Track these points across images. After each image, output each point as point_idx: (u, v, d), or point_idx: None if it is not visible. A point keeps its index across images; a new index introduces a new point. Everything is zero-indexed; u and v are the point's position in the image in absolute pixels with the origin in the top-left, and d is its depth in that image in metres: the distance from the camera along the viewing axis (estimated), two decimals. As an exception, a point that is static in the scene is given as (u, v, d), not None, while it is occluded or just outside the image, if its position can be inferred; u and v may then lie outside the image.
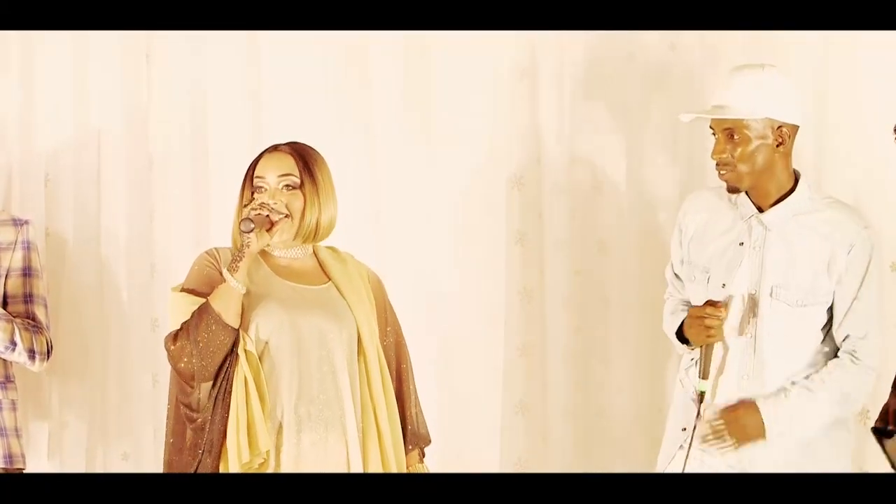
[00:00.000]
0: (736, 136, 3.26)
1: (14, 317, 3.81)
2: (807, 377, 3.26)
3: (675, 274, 3.50)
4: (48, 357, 3.87)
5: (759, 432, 3.23)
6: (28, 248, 3.90)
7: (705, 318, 3.25)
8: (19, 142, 4.32)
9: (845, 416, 3.31)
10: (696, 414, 3.28)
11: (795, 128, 3.32)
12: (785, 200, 3.31)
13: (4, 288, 3.87)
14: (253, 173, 3.28)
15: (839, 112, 3.84)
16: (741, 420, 3.23)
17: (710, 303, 3.27)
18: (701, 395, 3.27)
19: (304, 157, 3.28)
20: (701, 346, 3.29)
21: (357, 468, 3.19)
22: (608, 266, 4.03)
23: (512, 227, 4.09)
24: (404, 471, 3.30)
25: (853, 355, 3.26)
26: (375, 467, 3.22)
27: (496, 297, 4.08)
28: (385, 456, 3.25)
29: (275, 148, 3.31)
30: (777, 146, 3.28)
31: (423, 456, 3.41)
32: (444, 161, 4.09)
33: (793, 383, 3.25)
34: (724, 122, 3.27)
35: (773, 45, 3.88)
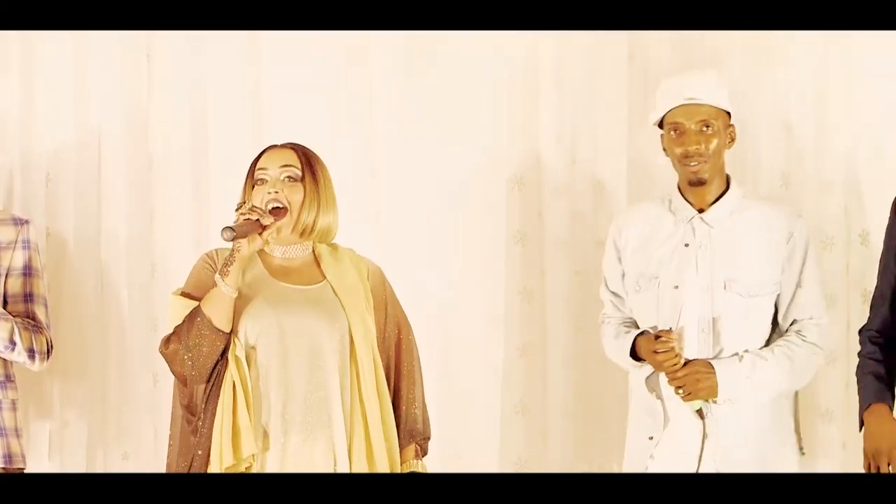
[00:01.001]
0: (709, 129, 3.40)
1: (14, 316, 3.81)
2: (759, 349, 3.41)
3: (614, 292, 3.58)
4: (48, 356, 3.87)
5: (711, 391, 3.34)
6: (28, 247, 3.89)
7: (657, 352, 3.35)
8: (19, 142, 4.31)
9: (790, 390, 3.44)
10: (701, 431, 3.36)
11: None
12: (722, 199, 3.45)
13: (4, 287, 3.87)
14: (255, 167, 3.28)
15: (839, 112, 3.85)
16: (698, 376, 3.34)
17: (657, 336, 3.37)
18: (699, 412, 3.35)
19: (306, 155, 3.30)
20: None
21: (343, 470, 3.17)
22: (608, 266, 4.02)
23: (512, 227, 4.09)
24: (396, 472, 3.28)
25: (800, 334, 3.41)
26: (360, 468, 3.19)
27: (496, 297, 4.08)
28: (372, 459, 3.22)
29: (276, 145, 3.33)
30: (728, 142, 3.45)
31: (424, 453, 3.36)
32: (444, 161, 4.09)
33: (746, 351, 3.39)
34: (698, 112, 3.39)
35: (773, 45, 3.88)
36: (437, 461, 3.60)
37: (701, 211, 3.44)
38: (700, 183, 3.41)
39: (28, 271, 3.89)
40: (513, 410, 4.07)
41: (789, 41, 3.87)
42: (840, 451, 3.82)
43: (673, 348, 3.32)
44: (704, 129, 3.39)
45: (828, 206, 3.85)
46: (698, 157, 3.39)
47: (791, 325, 3.43)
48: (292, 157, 3.27)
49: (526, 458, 4.06)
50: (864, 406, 3.30)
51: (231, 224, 3.15)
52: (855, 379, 3.42)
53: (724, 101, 3.44)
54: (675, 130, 3.42)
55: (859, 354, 3.40)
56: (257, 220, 3.17)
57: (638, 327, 3.50)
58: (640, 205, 3.61)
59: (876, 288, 3.40)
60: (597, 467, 4.00)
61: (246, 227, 3.14)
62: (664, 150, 3.51)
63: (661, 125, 3.50)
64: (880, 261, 3.40)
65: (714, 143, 3.40)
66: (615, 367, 3.99)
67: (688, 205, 3.45)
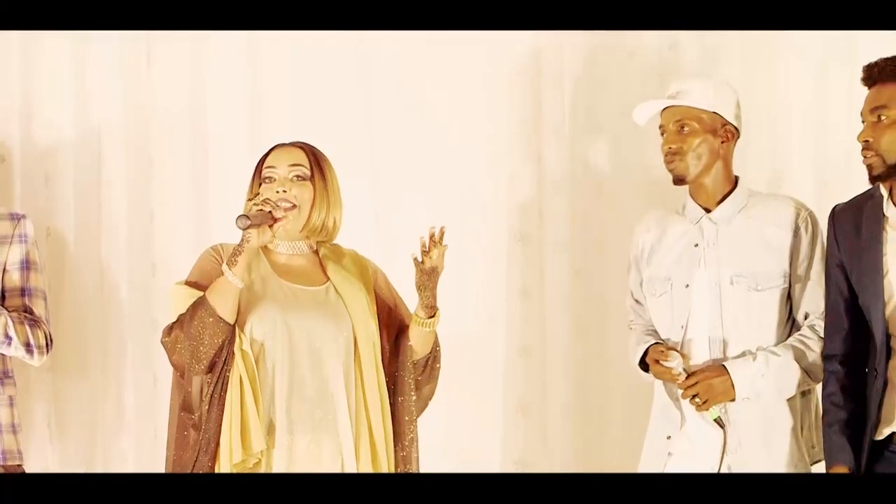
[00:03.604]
0: (685, 129, 3.46)
1: (11, 311, 3.79)
2: (772, 346, 3.42)
3: (636, 300, 3.63)
4: (48, 351, 3.84)
5: (727, 394, 3.38)
6: (25, 241, 3.87)
7: (656, 361, 3.42)
8: (19, 141, 4.31)
9: (808, 385, 3.44)
10: (721, 439, 3.38)
11: (737, 133, 3.50)
12: (729, 198, 3.49)
13: (2, 282, 3.86)
14: (262, 165, 3.30)
15: (839, 112, 3.85)
16: (711, 381, 3.37)
17: (660, 349, 3.42)
18: (717, 421, 3.38)
19: (315, 155, 3.33)
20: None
21: (350, 469, 3.19)
22: (608, 266, 4.03)
23: (512, 228, 4.09)
24: (395, 469, 3.28)
25: (813, 328, 3.42)
26: (366, 468, 3.21)
27: (496, 297, 4.08)
28: (376, 456, 3.24)
29: (284, 144, 3.34)
30: (721, 143, 3.47)
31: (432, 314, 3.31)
32: (443, 161, 4.09)
33: (759, 349, 3.41)
34: (675, 113, 3.45)
35: (773, 45, 3.89)
36: (437, 461, 3.60)
37: (708, 211, 3.49)
38: (680, 180, 3.47)
39: (25, 265, 3.87)
40: (513, 410, 4.07)
41: (789, 41, 3.87)
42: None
43: (670, 370, 3.38)
44: (681, 129, 3.46)
45: (827, 206, 3.84)
46: (673, 155, 3.46)
47: (805, 318, 3.45)
48: (301, 157, 3.29)
49: (526, 458, 4.06)
50: (828, 465, 3.24)
51: (245, 213, 3.16)
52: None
53: (707, 103, 3.45)
54: (662, 132, 3.50)
55: (823, 395, 3.31)
56: (270, 211, 3.18)
57: (659, 335, 3.53)
58: (655, 211, 3.65)
59: (825, 310, 3.33)
60: (597, 467, 4.00)
61: (260, 218, 3.16)
62: None
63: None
64: (825, 278, 3.35)
65: (691, 143, 3.45)
66: (615, 367, 4.01)
67: (696, 206, 3.50)
